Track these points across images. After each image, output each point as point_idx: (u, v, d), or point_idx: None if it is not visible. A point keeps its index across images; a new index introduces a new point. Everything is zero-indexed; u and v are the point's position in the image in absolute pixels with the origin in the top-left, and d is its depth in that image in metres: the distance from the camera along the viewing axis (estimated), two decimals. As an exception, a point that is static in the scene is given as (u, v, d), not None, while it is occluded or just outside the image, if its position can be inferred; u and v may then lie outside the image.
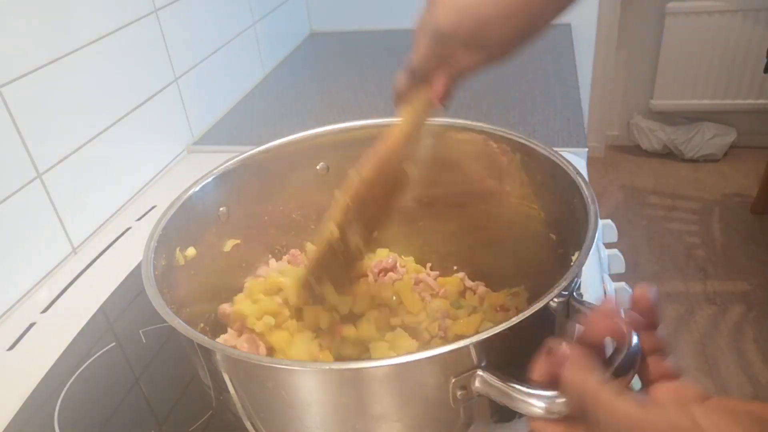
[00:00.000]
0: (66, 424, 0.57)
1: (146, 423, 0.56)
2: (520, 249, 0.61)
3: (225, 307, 0.58)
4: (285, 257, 0.67)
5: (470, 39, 0.42)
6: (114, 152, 0.89)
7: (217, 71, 1.18)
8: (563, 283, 0.39)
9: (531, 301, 0.59)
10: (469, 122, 0.61)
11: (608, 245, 0.93)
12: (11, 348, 0.67)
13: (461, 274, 0.67)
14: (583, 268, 0.42)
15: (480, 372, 0.36)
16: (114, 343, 0.66)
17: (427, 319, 0.58)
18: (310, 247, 0.61)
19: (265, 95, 1.31)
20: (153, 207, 0.90)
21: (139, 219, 0.88)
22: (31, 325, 0.70)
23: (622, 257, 0.90)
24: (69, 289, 0.75)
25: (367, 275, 0.63)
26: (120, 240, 0.84)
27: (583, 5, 1.65)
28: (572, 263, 0.42)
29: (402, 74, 0.49)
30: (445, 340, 0.56)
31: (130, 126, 0.92)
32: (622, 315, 0.33)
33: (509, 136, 0.58)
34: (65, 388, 0.60)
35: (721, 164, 2.59)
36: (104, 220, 0.88)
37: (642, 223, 2.31)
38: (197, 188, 0.56)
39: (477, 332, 0.39)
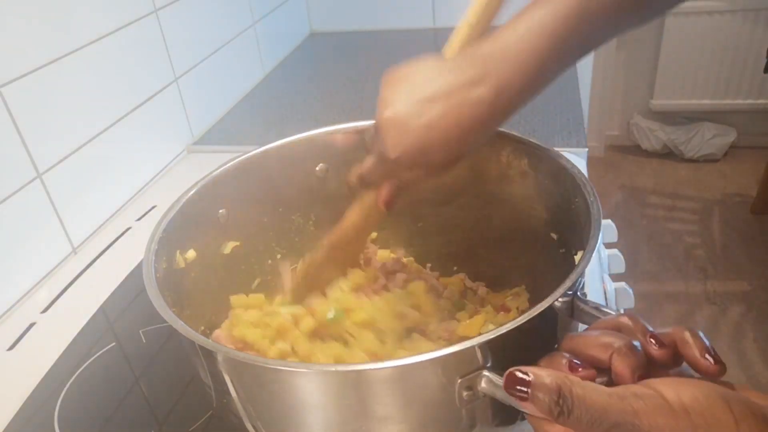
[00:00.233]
0: (66, 424, 0.56)
1: (146, 423, 0.56)
2: (521, 249, 0.61)
3: (219, 334, 0.56)
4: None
5: (413, 163, 0.47)
6: (114, 152, 0.89)
7: (217, 71, 1.18)
8: (568, 283, 0.39)
9: (532, 302, 0.60)
10: (470, 122, 0.61)
11: (608, 245, 0.93)
12: (11, 348, 0.67)
13: (461, 275, 0.67)
14: (584, 268, 0.42)
15: (486, 372, 0.36)
16: (114, 343, 0.66)
17: (435, 321, 0.58)
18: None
19: (265, 95, 1.31)
20: (153, 207, 0.90)
21: (139, 219, 0.88)
22: (31, 325, 0.70)
23: (622, 257, 0.90)
24: (69, 289, 0.75)
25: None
26: (120, 240, 0.84)
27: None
28: (576, 263, 0.41)
29: (354, 174, 0.55)
30: (449, 342, 0.56)
31: (130, 126, 0.92)
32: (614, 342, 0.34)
33: (510, 136, 0.58)
34: (65, 388, 0.60)
35: (721, 164, 2.59)
36: (104, 220, 0.88)
37: (642, 223, 2.31)
38: (197, 190, 0.56)
39: (480, 333, 0.39)
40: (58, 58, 0.77)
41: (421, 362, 0.35)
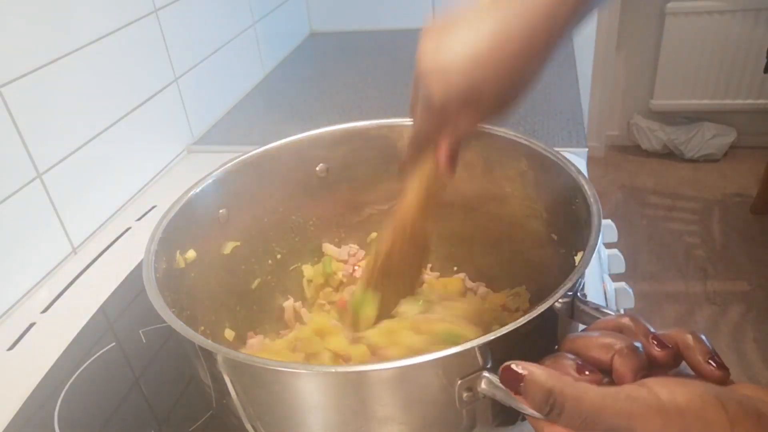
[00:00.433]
0: (66, 424, 0.56)
1: (146, 423, 0.56)
2: (522, 249, 0.61)
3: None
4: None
5: (464, 104, 0.42)
6: (114, 152, 0.89)
7: (217, 71, 1.18)
8: (568, 284, 0.39)
9: (533, 302, 0.60)
10: (470, 122, 0.61)
11: (608, 245, 0.93)
12: (11, 348, 0.67)
13: (461, 275, 0.67)
14: (584, 268, 0.42)
15: (486, 373, 0.36)
16: (114, 343, 0.66)
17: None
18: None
19: (265, 95, 1.31)
20: (153, 207, 0.90)
21: (139, 219, 0.88)
22: (31, 325, 0.70)
23: (622, 257, 0.90)
24: (69, 289, 0.75)
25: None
26: (120, 240, 0.84)
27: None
28: (576, 263, 0.41)
29: (407, 148, 0.49)
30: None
31: (130, 126, 0.92)
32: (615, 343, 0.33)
33: (510, 137, 0.58)
34: (65, 388, 0.60)
35: (721, 164, 2.59)
36: (104, 220, 0.88)
37: (642, 223, 2.31)
38: (197, 190, 0.56)
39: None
40: (58, 58, 0.77)
41: (422, 363, 0.35)
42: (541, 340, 0.39)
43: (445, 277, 0.67)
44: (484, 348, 0.36)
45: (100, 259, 0.80)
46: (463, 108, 0.43)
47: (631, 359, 0.32)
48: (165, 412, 0.57)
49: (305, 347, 0.55)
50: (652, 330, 0.34)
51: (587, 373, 0.32)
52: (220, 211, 0.59)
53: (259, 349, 0.58)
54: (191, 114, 1.09)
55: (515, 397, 0.32)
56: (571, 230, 0.51)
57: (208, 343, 0.39)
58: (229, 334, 0.59)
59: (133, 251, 0.80)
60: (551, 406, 0.30)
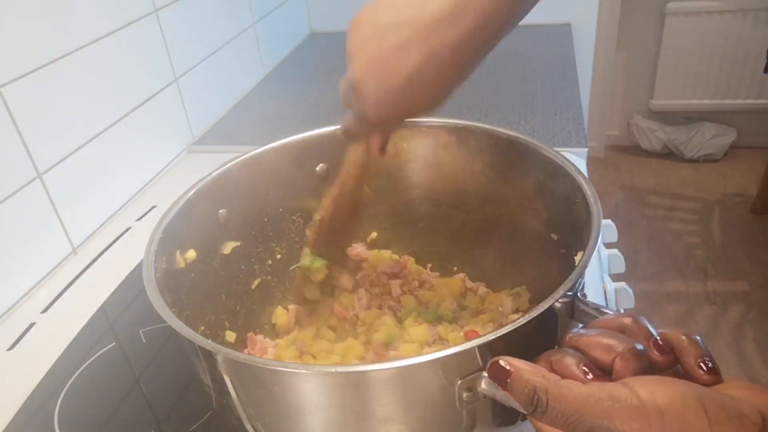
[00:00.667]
0: (66, 424, 0.56)
1: (146, 423, 0.56)
2: (522, 249, 0.61)
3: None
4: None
5: (397, 118, 0.48)
6: (114, 152, 0.89)
7: (217, 71, 1.18)
8: (568, 284, 0.39)
9: (533, 302, 0.60)
10: (469, 122, 0.61)
11: (608, 245, 0.93)
12: (11, 348, 0.67)
13: (461, 275, 0.67)
14: (584, 268, 0.42)
15: (485, 374, 0.36)
16: (114, 343, 0.66)
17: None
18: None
19: (265, 95, 1.31)
20: (153, 207, 0.90)
21: (139, 219, 0.88)
22: (31, 325, 0.70)
23: (622, 257, 0.90)
24: (69, 289, 0.75)
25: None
26: (120, 240, 0.84)
27: (583, 5, 1.64)
28: (576, 263, 0.41)
29: (343, 124, 0.55)
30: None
31: (130, 126, 0.92)
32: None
33: (510, 136, 0.58)
34: (65, 388, 0.60)
35: (721, 164, 2.59)
36: (104, 220, 0.88)
37: (642, 223, 2.31)
38: (197, 190, 0.56)
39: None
40: (58, 58, 0.77)
41: (422, 363, 0.35)
42: (541, 340, 0.39)
43: (445, 277, 0.67)
44: (484, 348, 0.36)
45: (100, 259, 0.80)
46: (396, 119, 0.48)
47: (633, 363, 0.32)
48: (165, 412, 0.57)
49: (308, 347, 0.57)
50: (653, 332, 0.34)
51: (591, 376, 0.32)
52: (220, 211, 0.59)
53: (260, 349, 0.59)
54: (191, 114, 1.09)
55: (504, 393, 0.33)
56: (571, 230, 0.51)
57: (208, 343, 0.39)
58: (229, 334, 0.59)
59: (133, 251, 0.80)
60: (536, 403, 0.31)
